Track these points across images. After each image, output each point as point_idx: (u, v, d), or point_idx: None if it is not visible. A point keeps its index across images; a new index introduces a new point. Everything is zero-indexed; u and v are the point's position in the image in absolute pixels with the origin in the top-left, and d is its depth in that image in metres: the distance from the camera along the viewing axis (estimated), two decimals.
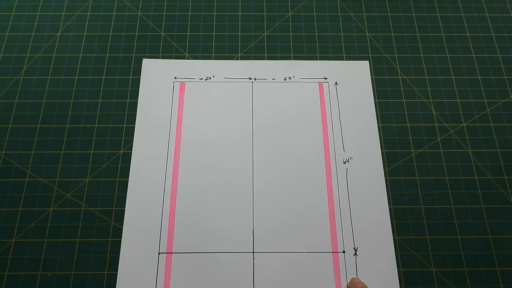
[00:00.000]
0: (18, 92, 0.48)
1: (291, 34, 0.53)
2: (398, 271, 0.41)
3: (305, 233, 0.43)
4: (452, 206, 0.44)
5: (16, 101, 0.48)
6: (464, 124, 0.48)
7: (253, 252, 0.42)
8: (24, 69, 0.50)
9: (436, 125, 0.48)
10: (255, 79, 0.50)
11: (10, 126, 0.47)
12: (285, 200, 0.44)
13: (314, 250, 0.42)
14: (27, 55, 0.51)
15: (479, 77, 0.50)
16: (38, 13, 0.53)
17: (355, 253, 0.42)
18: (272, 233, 0.43)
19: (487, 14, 0.54)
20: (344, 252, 0.42)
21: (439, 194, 0.45)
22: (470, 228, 0.43)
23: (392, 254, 0.42)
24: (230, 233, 0.43)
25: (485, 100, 0.49)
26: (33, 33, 0.52)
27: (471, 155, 0.46)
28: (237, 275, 0.41)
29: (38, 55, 0.51)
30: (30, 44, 0.51)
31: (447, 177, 0.45)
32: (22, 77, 0.49)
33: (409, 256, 0.42)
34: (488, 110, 0.49)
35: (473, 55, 0.52)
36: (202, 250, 0.42)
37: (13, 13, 0.53)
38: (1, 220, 0.43)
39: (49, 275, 0.41)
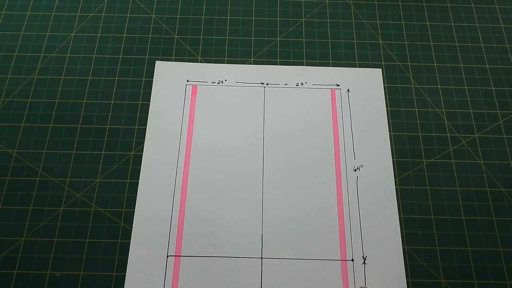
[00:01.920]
0: (32, 91, 0.49)
1: (304, 40, 0.53)
2: (407, 281, 0.41)
3: (314, 240, 0.43)
4: (463, 217, 0.44)
5: (29, 100, 0.48)
6: (476, 135, 0.48)
7: (262, 258, 0.42)
8: (38, 68, 0.50)
9: (448, 135, 0.48)
10: (267, 84, 0.50)
11: (22, 125, 0.47)
12: (295, 206, 0.44)
13: (322, 257, 0.42)
14: (41, 54, 0.51)
15: (493, 88, 0.50)
16: (53, 13, 0.53)
17: (364, 262, 0.42)
18: (281, 239, 0.43)
19: (501, 25, 0.54)
20: (352, 260, 0.42)
21: (450, 205, 0.44)
22: (481, 240, 0.43)
23: (401, 263, 0.42)
24: (238, 238, 0.43)
25: (498, 111, 0.49)
26: (47, 33, 0.52)
27: (483, 166, 0.46)
28: (245, 280, 0.41)
29: (52, 55, 0.51)
30: (45, 44, 0.52)
31: (458, 188, 0.45)
32: (36, 76, 0.50)
33: (418, 267, 0.42)
34: (501, 121, 0.48)
35: (487, 66, 0.51)
36: (211, 254, 0.42)
37: (28, 13, 0.53)
38: (11, 219, 0.43)
39: (58, 274, 0.41)
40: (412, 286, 0.41)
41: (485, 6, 0.55)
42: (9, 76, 0.50)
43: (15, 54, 0.51)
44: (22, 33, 0.52)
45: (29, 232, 0.42)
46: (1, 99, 0.48)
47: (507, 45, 0.52)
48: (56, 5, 0.54)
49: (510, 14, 0.54)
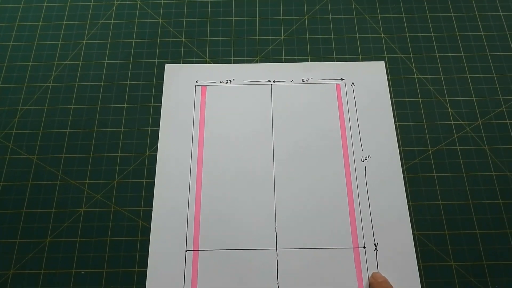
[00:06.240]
0: (48, 98, 0.51)
1: (307, 36, 0.54)
2: (418, 265, 0.42)
3: (326, 229, 0.44)
4: (470, 202, 0.45)
5: (46, 107, 0.50)
6: (480, 122, 0.49)
7: (276, 249, 0.43)
8: (52, 76, 0.52)
9: (452, 122, 0.49)
10: (273, 81, 0.51)
11: (41, 131, 0.49)
12: (306, 198, 0.45)
13: (335, 246, 0.43)
14: (55, 63, 0.53)
15: (494, 75, 0.51)
16: (64, 22, 0.55)
17: (376, 248, 0.43)
18: (294, 230, 0.44)
19: (501, 13, 0.55)
20: (364, 247, 0.43)
21: (457, 190, 0.46)
22: (489, 223, 0.44)
23: (412, 249, 0.43)
24: (253, 230, 0.44)
25: (501, 98, 0.50)
26: (60, 42, 0.54)
27: (487, 151, 0.47)
28: (261, 271, 0.42)
29: (65, 62, 0.53)
30: (58, 52, 0.53)
31: (464, 174, 0.46)
32: (51, 84, 0.52)
33: (429, 251, 0.43)
34: (504, 107, 0.49)
35: (488, 54, 0.52)
36: (227, 247, 0.43)
37: (40, 23, 0.55)
38: (36, 221, 0.45)
39: (83, 272, 0.43)
40: (423, 270, 0.42)
41: None
42: (25, 85, 0.51)
43: (30, 63, 0.53)
44: (35, 43, 0.54)
45: (53, 233, 0.44)
46: (19, 108, 0.50)
47: (507, 33, 0.54)
48: (67, 14, 0.56)
49: (509, 1, 0.55)
